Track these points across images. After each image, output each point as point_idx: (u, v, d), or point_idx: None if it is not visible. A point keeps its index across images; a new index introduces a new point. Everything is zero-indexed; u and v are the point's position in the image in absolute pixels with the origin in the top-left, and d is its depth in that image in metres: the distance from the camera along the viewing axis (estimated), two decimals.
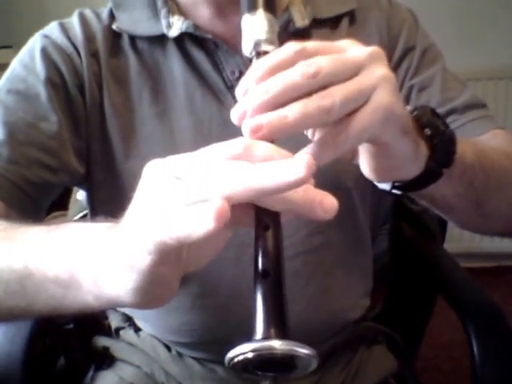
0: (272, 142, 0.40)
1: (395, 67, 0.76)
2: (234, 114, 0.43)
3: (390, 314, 0.99)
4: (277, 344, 0.35)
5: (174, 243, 0.37)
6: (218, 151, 0.39)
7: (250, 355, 0.35)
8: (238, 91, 0.45)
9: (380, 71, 0.44)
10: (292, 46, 0.44)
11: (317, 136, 0.46)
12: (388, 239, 1.05)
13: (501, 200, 0.64)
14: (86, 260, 0.45)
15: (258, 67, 0.44)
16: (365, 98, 0.43)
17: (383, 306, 0.97)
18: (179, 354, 0.80)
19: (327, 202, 0.36)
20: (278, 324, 0.36)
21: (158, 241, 0.37)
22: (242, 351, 0.35)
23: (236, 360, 0.36)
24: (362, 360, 0.84)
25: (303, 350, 0.35)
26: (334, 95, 0.41)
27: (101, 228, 0.46)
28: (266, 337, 0.35)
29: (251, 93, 0.42)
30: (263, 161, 0.37)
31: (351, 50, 0.45)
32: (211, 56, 0.72)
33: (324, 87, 0.42)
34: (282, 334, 0.36)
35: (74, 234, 0.48)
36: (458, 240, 2.21)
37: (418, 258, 1.03)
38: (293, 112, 0.40)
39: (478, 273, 1.46)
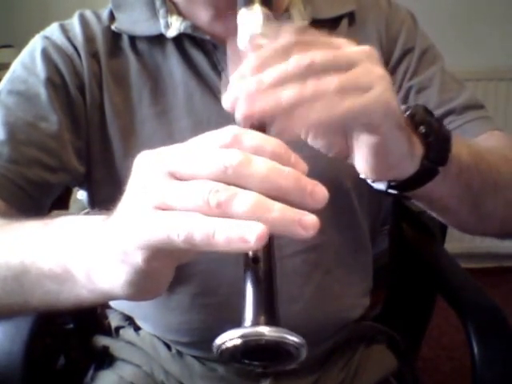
0: (264, 130, 0.41)
1: (394, 68, 0.76)
2: (226, 100, 0.43)
3: (390, 313, 0.99)
4: (266, 330, 0.34)
5: (165, 242, 0.37)
6: (207, 142, 0.39)
7: (239, 342, 0.34)
8: (232, 79, 0.45)
9: (377, 69, 0.44)
10: (287, 38, 0.44)
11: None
12: (388, 239, 1.05)
13: (497, 202, 0.64)
14: (79, 254, 0.45)
15: (253, 57, 0.44)
16: (360, 90, 0.43)
17: (383, 306, 0.98)
18: (179, 353, 0.80)
19: (318, 192, 0.36)
20: (268, 311, 0.36)
21: (146, 239, 0.37)
22: (230, 337, 0.35)
23: (224, 347, 0.35)
24: (361, 359, 0.84)
25: (293, 338, 0.35)
26: (330, 82, 0.42)
27: (94, 221, 0.46)
28: (255, 323, 0.35)
29: (245, 81, 0.43)
30: (253, 150, 0.37)
31: (347, 47, 0.45)
32: (210, 56, 0.72)
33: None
34: (272, 321, 0.35)
35: (68, 228, 0.49)
36: (459, 240, 2.20)
37: (418, 258, 1.03)
38: (287, 95, 0.41)
39: (479, 273, 1.46)
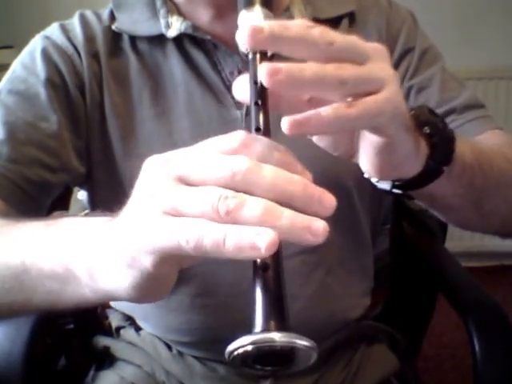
0: (268, 135, 0.40)
1: (394, 68, 0.75)
2: (236, 88, 0.43)
3: (391, 313, 0.99)
4: (276, 336, 0.34)
5: (175, 248, 0.36)
6: (215, 147, 0.38)
7: (250, 348, 0.34)
8: (236, 86, 0.44)
9: (387, 67, 0.44)
10: (304, 22, 0.42)
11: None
12: (389, 239, 1.05)
13: (499, 200, 0.64)
14: (82, 255, 0.45)
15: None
16: (375, 85, 0.42)
17: (384, 305, 0.97)
18: (180, 353, 0.80)
19: (326, 199, 0.36)
20: (278, 316, 0.36)
21: (156, 245, 0.37)
22: (241, 344, 0.35)
23: (236, 353, 0.35)
24: (362, 359, 0.84)
25: (303, 342, 0.35)
26: (349, 70, 0.41)
27: (98, 223, 0.46)
28: (265, 329, 0.35)
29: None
30: (260, 156, 0.37)
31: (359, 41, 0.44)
32: (210, 56, 0.72)
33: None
34: (282, 327, 0.35)
35: (71, 229, 0.49)
36: (459, 239, 2.20)
37: (418, 257, 1.03)
38: (311, 69, 0.40)
39: (480, 272, 1.46)
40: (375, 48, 0.44)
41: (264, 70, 0.39)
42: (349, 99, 0.42)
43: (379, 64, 0.44)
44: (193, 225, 0.35)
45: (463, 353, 1.79)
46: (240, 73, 0.71)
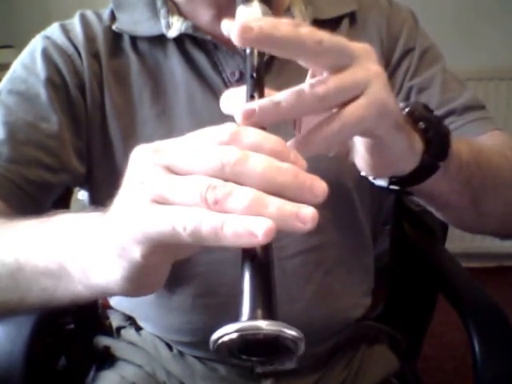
0: (264, 129, 0.40)
1: (395, 68, 0.76)
2: (224, 101, 0.43)
3: (391, 313, 0.99)
4: (263, 324, 0.34)
5: (169, 235, 0.36)
6: (206, 137, 0.38)
7: (235, 336, 0.34)
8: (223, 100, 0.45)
9: (373, 67, 0.44)
10: (292, 21, 0.42)
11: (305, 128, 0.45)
12: (389, 239, 1.05)
13: (496, 199, 0.64)
14: (75, 250, 0.45)
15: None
16: (358, 90, 0.42)
17: (385, 306, 0.98)
18: (180, 353, 0.80)
19: (316, 186, 0.36)
20: (265, 305, 0.35)
21: (147, 232, 0.37)
22: (226, 332, 0.34)
23: (220, 341, 0.34)
24: (363, 359, 0.84)
25: (290, 331, 0.34)
26: (328, 83, 0.41)
27: (90, 218, 0.46)
28: (252, 317, 0.34)
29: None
30: (251, 147, 0.37)
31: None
32: (211, 57, 0.72)
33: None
34: (269, 315, 0.34)
35: (64, 225, 0.49)
36: (460, 240, 2.20)
37: (419, 257, 1.03)
38: (286, 98, 0.40)
39: (480, 273, 1.46)
40: (361, 48, 0.44)
41: (239, 114, 0.40)
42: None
43: (364, 64, 0.44)
44: (189, 211, 0.35)
45: (463, 353, 1.79)
46: (241, 74, 0.71)
